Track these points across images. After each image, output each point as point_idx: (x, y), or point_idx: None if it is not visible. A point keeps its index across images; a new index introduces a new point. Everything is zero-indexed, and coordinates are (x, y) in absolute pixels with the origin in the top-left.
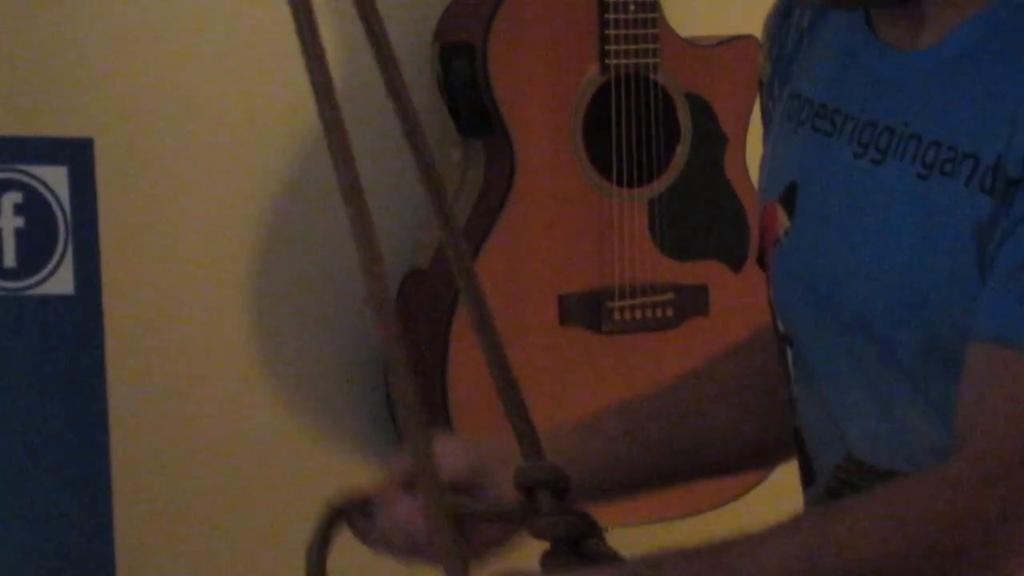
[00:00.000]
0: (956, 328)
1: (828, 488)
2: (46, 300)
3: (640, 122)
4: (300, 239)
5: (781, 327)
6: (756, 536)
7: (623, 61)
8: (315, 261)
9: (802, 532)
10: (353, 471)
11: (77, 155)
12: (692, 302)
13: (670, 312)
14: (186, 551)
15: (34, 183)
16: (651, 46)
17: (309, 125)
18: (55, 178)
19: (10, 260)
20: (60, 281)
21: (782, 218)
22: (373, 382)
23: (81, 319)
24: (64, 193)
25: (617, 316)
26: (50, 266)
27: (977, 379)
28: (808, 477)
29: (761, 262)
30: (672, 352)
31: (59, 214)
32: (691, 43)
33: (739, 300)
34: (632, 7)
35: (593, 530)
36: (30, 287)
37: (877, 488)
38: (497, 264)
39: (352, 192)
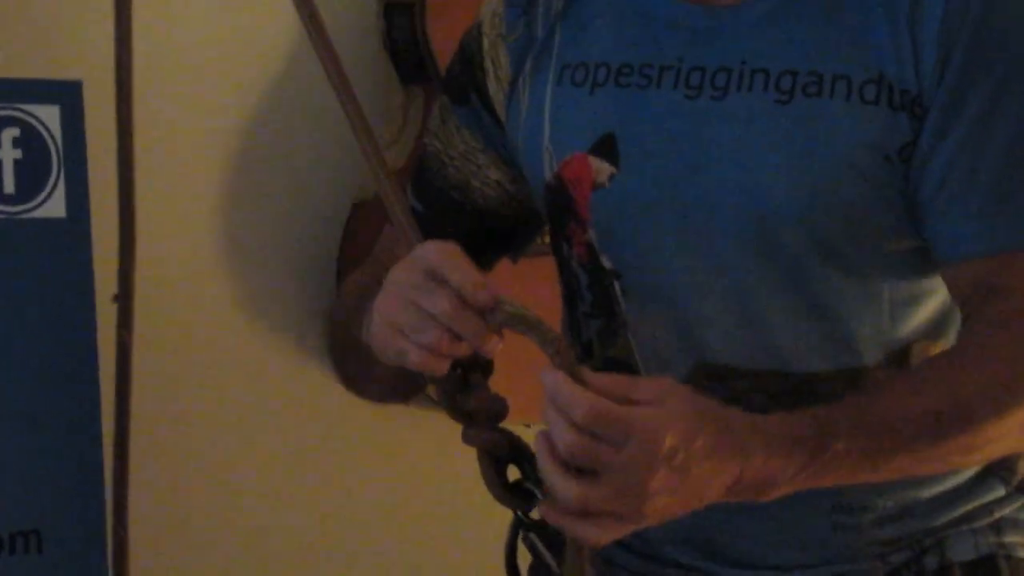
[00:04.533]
0: (848, 225)
1: None
2: (41, 222)
3: None
4: (268, 167)
5: (608, 264)
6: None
7: None
8: (281, 186)
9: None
10: (294, 345)
11: (68, 95)
12: None
13: None
14: (175, 423)
15: (30, 120)
16: None
17: (281, 68)
18: (48, 115)
19: (9, 187)
20: (53, 206)
21: (600, 166)
22: (323, 269)
23: (72, 238)
24: (56, 129)
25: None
26: (44, 192)
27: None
28: None
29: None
30: None
31: (52, 147)
32: None
33: None
34: None
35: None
36: (27, 211)
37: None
38: None
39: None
